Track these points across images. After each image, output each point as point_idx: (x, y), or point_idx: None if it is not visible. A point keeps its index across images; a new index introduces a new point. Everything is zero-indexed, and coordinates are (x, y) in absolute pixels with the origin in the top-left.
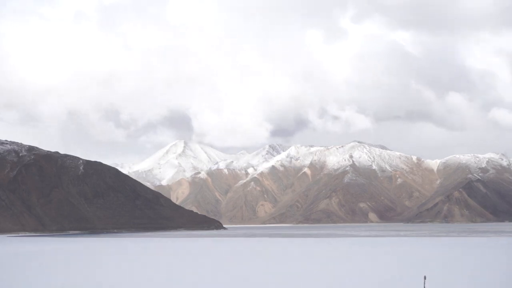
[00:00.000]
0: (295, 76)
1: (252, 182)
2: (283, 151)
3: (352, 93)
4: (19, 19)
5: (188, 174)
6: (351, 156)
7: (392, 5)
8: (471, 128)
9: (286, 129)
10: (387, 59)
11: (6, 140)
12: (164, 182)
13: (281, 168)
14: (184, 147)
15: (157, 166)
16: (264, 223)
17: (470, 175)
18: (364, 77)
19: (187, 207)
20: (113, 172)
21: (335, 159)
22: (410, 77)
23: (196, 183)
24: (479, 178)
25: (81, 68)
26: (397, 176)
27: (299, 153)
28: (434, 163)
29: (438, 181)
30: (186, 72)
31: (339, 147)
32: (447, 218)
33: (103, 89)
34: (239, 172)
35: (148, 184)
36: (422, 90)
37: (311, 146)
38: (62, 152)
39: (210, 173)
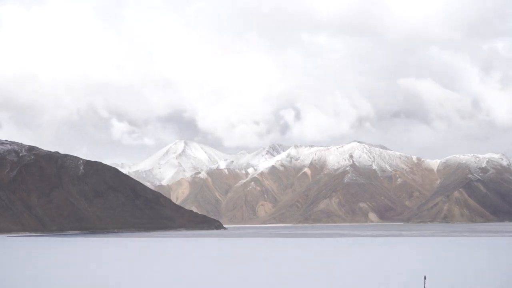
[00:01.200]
0: (294, 77)
1: (252, 182)
2: (283, 151)
3: (348, 93)
4: (20, 19)
5: (188, 174)
6: (351, 156)
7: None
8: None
9: (286, 129)
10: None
11: (6, 140)
12: (164, 182)
13: (281, 168)
14: (184, 147)
15: (157, 166)
16: (264, 223)
17: (470, 175)
18: (358, 77)
19: (187, 207)
20: (113, 172)
21: (335, 159)
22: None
23: (196, 183)
24: (479, 178)
25: (81, 67)
26: (397, 176)
27: (299, 153)
28: (434, 163)
29: (438, 181)
30: (186, 72)
31: (339, 147)
32: (447, 218)
33: (103, 88)
34: (239, 172)
35: (148, 184)
36: (412, 89)
37: (311, 146)
38: (62, 152)
39: (210, 173)
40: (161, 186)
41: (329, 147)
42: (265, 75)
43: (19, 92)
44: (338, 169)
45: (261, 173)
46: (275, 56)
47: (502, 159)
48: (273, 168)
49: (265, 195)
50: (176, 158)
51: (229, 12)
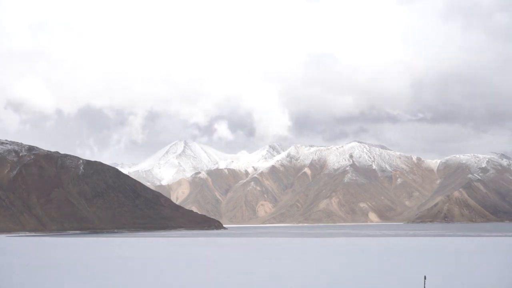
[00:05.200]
0: (294, 78)
1: (252, 182)
2: (283, 151)
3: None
4: (21, 19)
5: (188, 174)
6: (351, 156)
7: None
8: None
9: (286, 129)
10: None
11: (6, 140)
12: (164, 182)
13: (281, 168)
14: (184, 147)
15: (157, 166)
16: (264, 223)
17: (470, 175)
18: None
19: (187, 207)
20: (113, 172)
21: (335, 159)
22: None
23: (196, 183)
24: (479, 178)
25: (81, 67)
26: (397, 176)
27: (299, 153)
28: (434, 163)
29: (438, 181)
30: (185, 73)
31: (339, 147)
32: (447, 218)
33: (103, 89)
34: (239, 172)
35: (148, 184)
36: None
37: (311, 146)
38: (62, 152)
39: (210, 173)
40: (161, 186)
41: (329, 147)
42: (265, 75)
43: (20, 92)
44: (338, 169)
45: (261, 173)
46: (274, 57)
47: (502, 159)
48: (273, 168)
49: (265, 195)
50: (176, 158)
51: (232, 17)
